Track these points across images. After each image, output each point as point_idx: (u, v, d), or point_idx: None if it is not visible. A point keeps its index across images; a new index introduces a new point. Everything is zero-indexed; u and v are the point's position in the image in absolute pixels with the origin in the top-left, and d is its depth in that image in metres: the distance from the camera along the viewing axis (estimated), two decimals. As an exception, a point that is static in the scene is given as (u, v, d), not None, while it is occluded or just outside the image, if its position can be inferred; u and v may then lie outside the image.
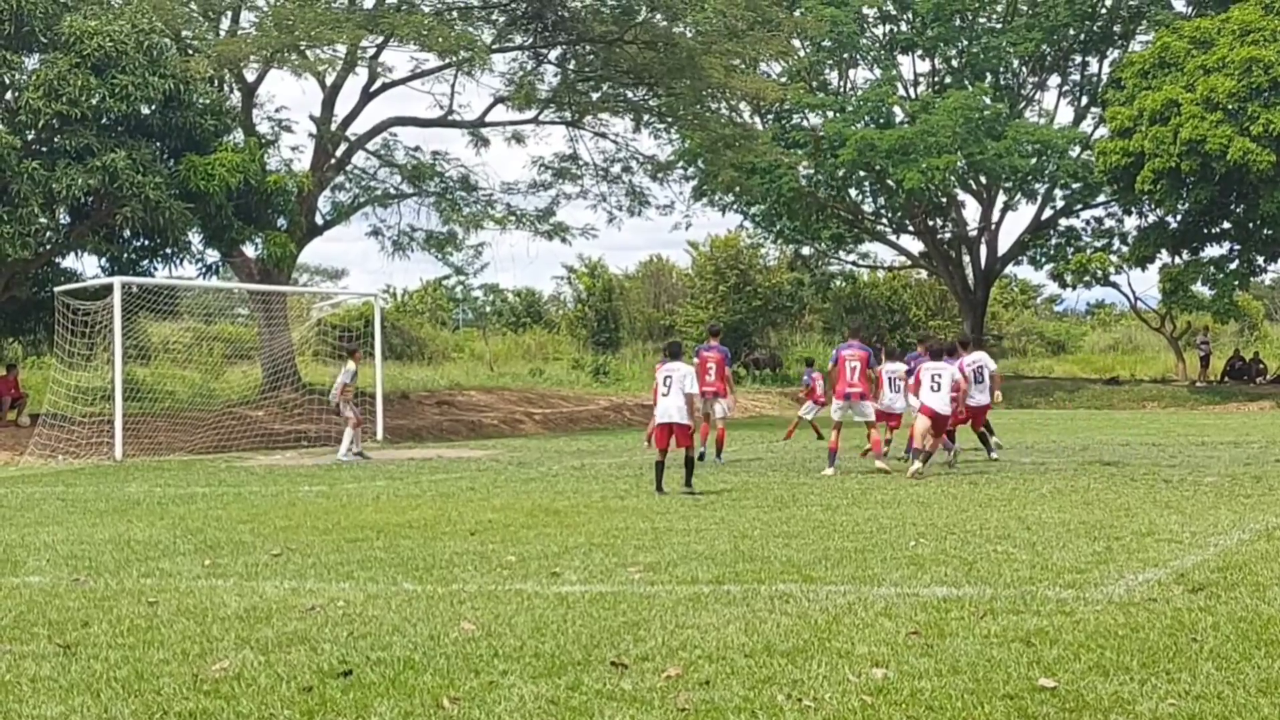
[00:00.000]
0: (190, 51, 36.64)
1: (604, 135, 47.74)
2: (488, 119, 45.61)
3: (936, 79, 58.91)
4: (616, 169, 48.62)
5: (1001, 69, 58.23)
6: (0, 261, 31.65)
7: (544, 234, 47.04)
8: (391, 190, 46.25)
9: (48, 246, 34.15)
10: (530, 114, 45.29)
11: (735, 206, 59.52)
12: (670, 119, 46.94)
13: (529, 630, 9.19)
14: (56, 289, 32.81)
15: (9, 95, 32.14)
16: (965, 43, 57.12)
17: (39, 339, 40.10)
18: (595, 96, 45.59)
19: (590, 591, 10.67)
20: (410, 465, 26.64)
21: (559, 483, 21.41)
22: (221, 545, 14.13)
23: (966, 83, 56.04)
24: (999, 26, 57.57)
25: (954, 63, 58.42)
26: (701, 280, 70.23)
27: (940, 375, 22.23)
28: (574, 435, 37.86)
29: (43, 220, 32.77)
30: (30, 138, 31.94)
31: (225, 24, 40.31)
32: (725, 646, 8.55)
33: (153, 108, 33.21)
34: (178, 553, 13.63)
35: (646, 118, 47.08)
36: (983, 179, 57.39)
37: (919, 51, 58.64)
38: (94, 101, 31.27)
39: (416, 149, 46.49)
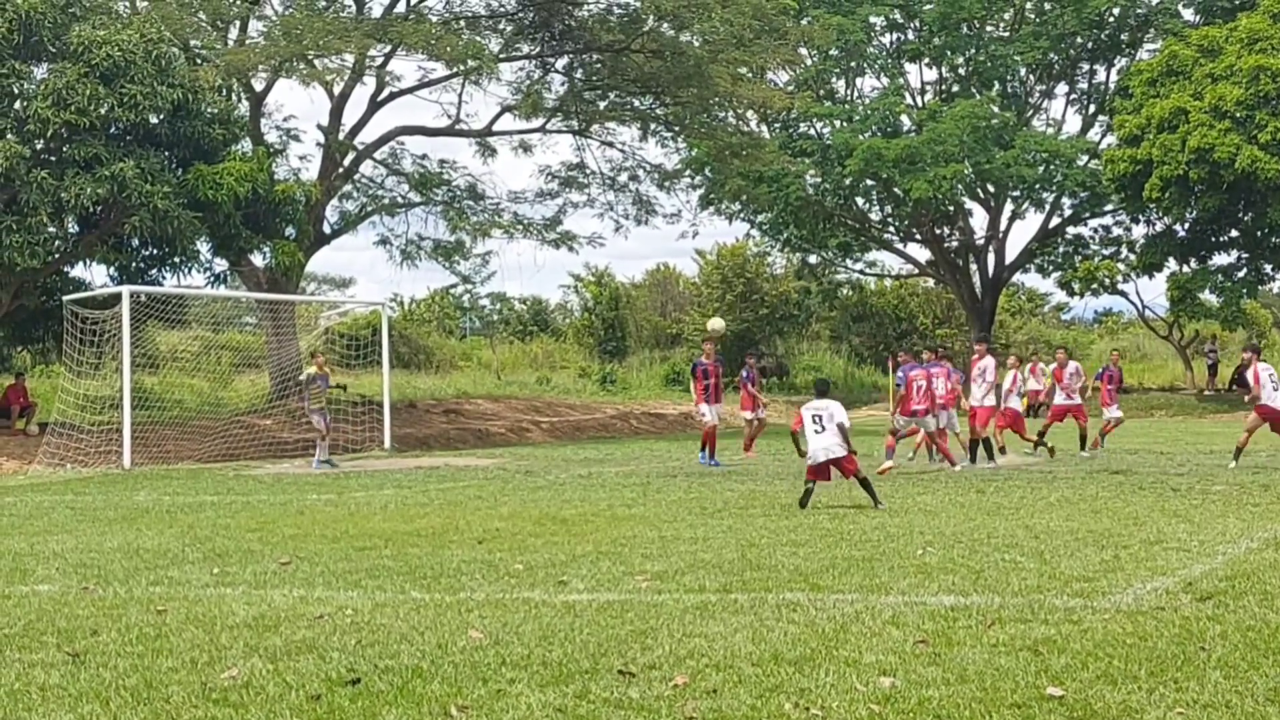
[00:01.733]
0: (199, 61, 36.73)
1: (611, 144, 47.82)
2: (495, 128, 45.71)
3: (944, 87, 58.93)
4: (623, 178, 48.71)
5: (1009, 77, 58.21)
6: (9, 270, 31.73)
7: (551, 243, 47.06)
8: (399, 199, 46.34)
9: (56, 255, 34.20)
10: (537, 123, 45.35)
11: (742, 215, 59.58)
12: (677, 127, 47.00)
13: (536, 638, 9.20)
14: (65, 298, 32.92)
15: (18, 105, 32.19)
16: (972, 51, 57.09)
17: (47, 348, 40.25)
18: (602, 105, 45.66)
19: (598, 600, 10.68)
20: (418, 474, 26.64)
21: (566, 491, 21.42)
22: (230, 553, 14.16)
23: (974, 91, 56.09)
24: (1006, 35, 57.61)
25: (961, 71, 58.45)
26: (708, 288, 70.17)
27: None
28: (581, 444, 37.89)
29: (51, 229, 32.83)
30: (39, 147, 32.00)
31: (233, 34, 40.42)
32: (733, 655, 8.55)
33: (161, 117, 33.30)
34: (186, 561, 13.66)
35: (653, 126, 47.15)
36: (990, 188, 57.43)
37: (926, 60, 58.65)
38: (102, 111, 31.37)
39: (424, 158, 46.67)
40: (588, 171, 48.43)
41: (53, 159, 32.22)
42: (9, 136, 31.07)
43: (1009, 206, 59.71)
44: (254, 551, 14.29)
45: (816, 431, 18.36)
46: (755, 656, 8.51)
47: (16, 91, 32.10)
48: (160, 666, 8.63)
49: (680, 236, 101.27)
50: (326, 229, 44.25)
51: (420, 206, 46.34)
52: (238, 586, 11.85)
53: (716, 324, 28.95)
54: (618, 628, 9.51)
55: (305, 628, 9.75)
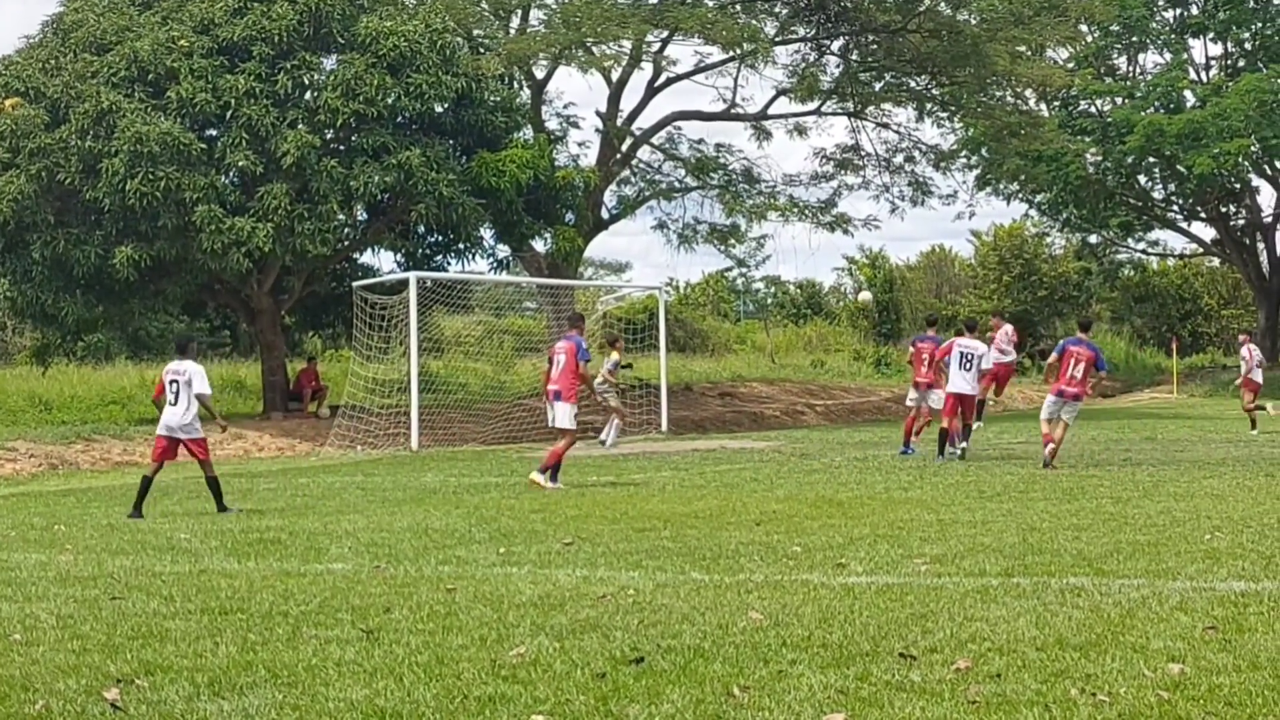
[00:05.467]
0: (481, 50, 37.44)
1: (886, 125, 47.50)
2: (770, 111, 45.75)
3: (1229, 62, 57.22)
4: (899, 159, 48.33)
5: (1297, 52, 56.22)
6: (301, 258, 32.73)
7: (825, 225, 46.89)
8: (676, 184, 46.64)
9: (346, 243, 35.24)
10: (812, 105, 45.24)
11: (1020, 195, 58.76)
12: (954, 108, 46.45)
13: (816, 620, 9.23)
14: (355, 284, 33.85)
15: (308, 95, 33.14)
16: (1259, 25, 55.38)
17: (338, 333, 41.51)
18: (878, 86, 45.36)
19: (876, 583, 10.66)
20: (694, 456, 26.87)
21: (842, 474, 21.40)
22: (515, 534, 14.44)
23: (1260, 66, 54.31)
24: (1293, 8, 55.67)
25: (1247, 45, 56.70)
26: (985, 270, 69.36)
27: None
28: (856, 427, 37.76)
29: (341, 217, 33.80)
30: (329, 136, 32.90)
31: (515, 22, 41.12)
32: (1015, 639, 8.49)
33: (445, 106, 34.01)
34: (473, 541, 13.96)
35: (929, 107, 46.66)
36: (1278, 164, 55.57)
37: (1210, 35, 57.03)
38: (389, 100, 32.15)
39: (700, 142, 46.86)
40: (863, 153, 48.23)
41: (342, 148, 33.17)
42: (300, 127, 32.05)
43: (1297, 183, 57.78)
44: (538, 532, 14.57)
45: (170, 403, 17.13)
46: (1039, 641, 8.43)
47: (307, 82, 33.02)
48: (451, 644, 8.81)
49: (956, 218, 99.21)
50: (604, 214, 44.81)
51: (697, 191, 46.63)
52: (523, 566, 12.07)
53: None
54: (897, 611, 9.50)
55: (589, 607, 9.90)
